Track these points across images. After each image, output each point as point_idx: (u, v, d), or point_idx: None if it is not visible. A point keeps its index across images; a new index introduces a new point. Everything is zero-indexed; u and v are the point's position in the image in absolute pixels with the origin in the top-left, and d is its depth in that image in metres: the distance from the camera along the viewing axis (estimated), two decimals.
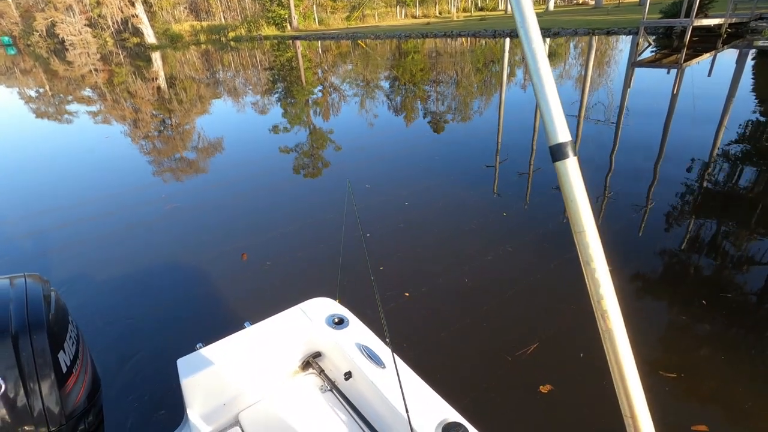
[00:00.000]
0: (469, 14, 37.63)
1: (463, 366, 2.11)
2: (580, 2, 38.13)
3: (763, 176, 4.06)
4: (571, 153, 0.56)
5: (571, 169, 0.56)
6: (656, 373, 1.95)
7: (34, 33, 40.63)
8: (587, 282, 0.59)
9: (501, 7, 40.48)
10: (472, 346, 2.22)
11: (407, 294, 2.68)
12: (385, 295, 2.69)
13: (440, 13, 40.27)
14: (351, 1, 42.54)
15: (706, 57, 10.91)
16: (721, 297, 2.49)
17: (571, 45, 15.90)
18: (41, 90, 15.05)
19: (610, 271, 0.58)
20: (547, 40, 17.35)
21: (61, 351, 1.08)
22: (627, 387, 0.60)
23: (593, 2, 32.51)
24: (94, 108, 10.84)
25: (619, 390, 0.61)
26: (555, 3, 33.27)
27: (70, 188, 5.22)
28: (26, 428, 1.02)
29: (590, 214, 0.57)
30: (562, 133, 0.56)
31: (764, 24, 13.54)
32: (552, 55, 13.68)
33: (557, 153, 0.56)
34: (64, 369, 1.08)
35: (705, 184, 4.05)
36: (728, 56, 10.93)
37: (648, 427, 0.61)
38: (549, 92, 0.55)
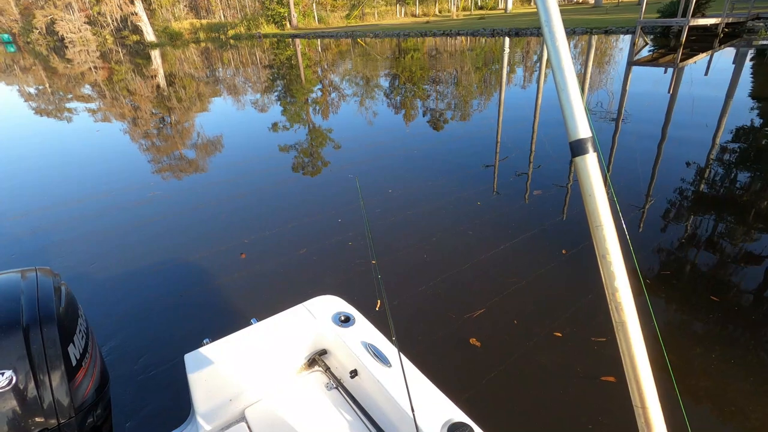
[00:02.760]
0: (468, 13, 37.57)
1: (418, 319, 2.50)
2: (580, 1, 38.09)
3: (762, 172, 4.09)
4: (591, 149, 0.57)
5: (590, 165, 0.57)
6: (589, 339, 2.25)
7: (34, 30, 40.44)
8: (602, 274, 0.59)
9: (500, 6, 40.41)
10: (428, 305, 2.61)
11: (373, 261, 3.10)
12: (355, 261, 3.02)
13: (440, 12, 40.21)
14: (351, 0, 42.44)
15: (703, 57, 10.92)
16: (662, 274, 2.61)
17: (571, 44, 15.90)
18: (41, 87, 15.01)
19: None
20: None
21: (71, 344, 1.10)
22: (639, 378, 0.61)
23: (593, 1, 32.49)
24: (93, 105, 10.83)
25: (630, 381, 0.61)
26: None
27: (69, 184, 5.22)
28: (36, 420, 1.04)
29: (608, 209, 0.58)
30: (583, 129, 0.57)
31: (761, 24, 13.57)
32: None
33: (577, 148, 0.57)
34: (74, 362, 1.10)
35: (701, 182, 4.08)
36: (725, 56, 10.95)
37: (658, 419, 0.62)
38: (571, 89, 0.56)
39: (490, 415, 1.88)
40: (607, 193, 0.59)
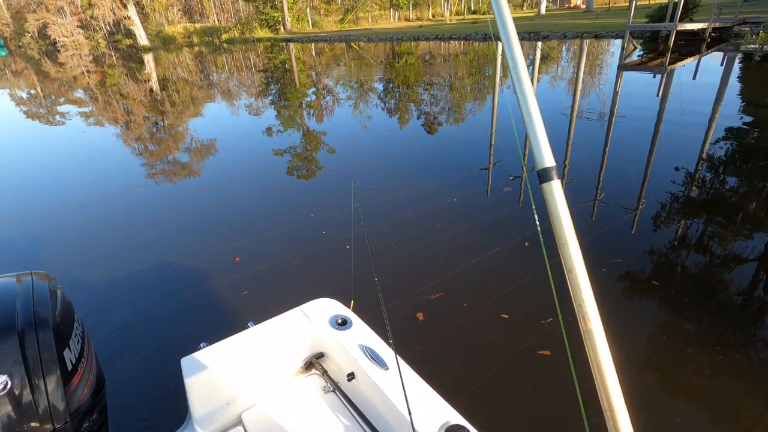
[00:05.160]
0: (461, 17, 37.88)
1: (386, 295, 2.75)
2: (572, 6, 38.58)
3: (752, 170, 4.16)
4: (555, 176, 0.64)
5: (555, 190, 0.64)
6: (539, 323, 2.42)
7: (26, 34, 40.16)
8: (570, 287, 0.64)
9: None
10: (395, 284, 2.87)
11: (347, 246, 3.36)
12: (351, 264, 3.13)
13: (433, 17, 40.48)
14: (344, 4, 42.62)
15: (691, 60, 11.10)
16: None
17: (564, 48, 16.09)
18: (32, 91, 14.87)
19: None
20: (539, 44, 17.54)
21: (67, 348, 1.09)
22: (606, 383, 0.64)
23: (584, 6, 32.92)
24: (86, 109, 10.75)
25: (598, 385, 0.65)
26: (547, 7, 33.62)
27: (62, 188, 5.18)
28: (32, 425, 1.03)
29: (572, 228, 0.64)
30: (548, 159, 0.64)
31: (747, 28, 13.82)
32: (544, 58, 13.85)
33: (544, 176, 0.64)
34: (69, 366, 1.09)
35: (691, 186, 4.14)
36: (713, 60, 11.15)
37: (625, 420, 0.65)
38: (537, 126, 0.64)
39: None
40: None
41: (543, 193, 0.64)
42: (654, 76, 9.58)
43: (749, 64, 10.23)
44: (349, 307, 1.55)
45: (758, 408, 1.85)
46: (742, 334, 2.27)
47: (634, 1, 13.35)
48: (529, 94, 0.64)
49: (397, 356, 1.17)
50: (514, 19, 0.65)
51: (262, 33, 35.01)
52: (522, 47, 0.66)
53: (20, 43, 42.10)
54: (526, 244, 3.21)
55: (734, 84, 8.37)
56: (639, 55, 12.65)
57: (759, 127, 5.63)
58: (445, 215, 3.80)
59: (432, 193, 4.34)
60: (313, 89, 11.79)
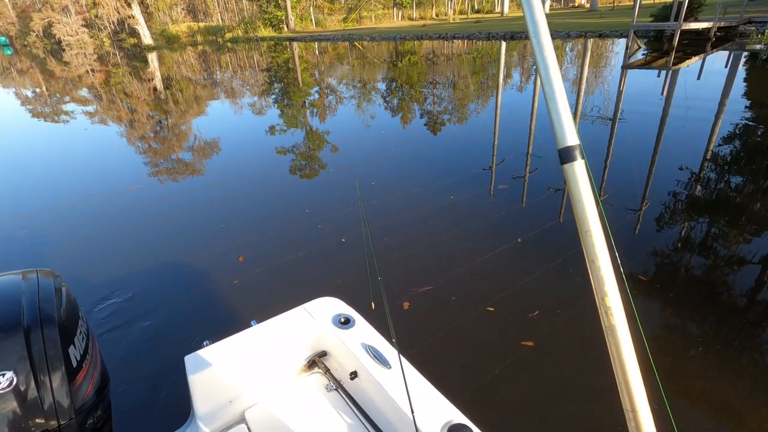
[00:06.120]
0: (465, 17, 37.75)
1: (388, 293, 2.76)
2: (576, 5, 38.41)
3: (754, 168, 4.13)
4: (578, 156, 0.57)
5: (578, 172, 0.58)
6: (527, 317, 2.46)
7: (31, 33, 40.38)
8: (592, 279, 0.59)
9: (497, 10, 40.67)
10: (388, 277, 2.94)
11: (343, 240, 3.46)
12: (353, 263, 3.13)
13: (437, 16, 40.38)
14: (348, 3, 42.59)
15: (696, 60, 11.03)
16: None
17: (567, 47, 16.02)
18: (37, 90, 14.96)
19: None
20: None
21: (72, 346, 1.10)
22: (628, 381, 0.61)
23: (588, 5, 32.77)
24: (90, 108, 10.80)
25: (620, 384, 0.62)
26: (551, 6, 33.47)
27: (64, 189, 5.21)
28: (37, 421, 1.04)
29: (596, 214, 0.59)
30: (571, 137, 0.58)
31: (753, 28, 13.71)
32: None
33: (565, 156, 0.58)
34: (74, 363, 1.10)
35: (695, 185, 4.11)
36: (718, 59, 11.06)
37: (648, 420, 0.62)
38: (559, 98, 0.57)
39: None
40: (600, 199, 0.59)
41: (564, 176, 0.58)
42: (658, 75, 9.52)
43: (755, 64, 10.15)
44: (371, 309, 1.54)
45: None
46: (748, 335, 2.26)
47: (639, 0, 13.26)
48: (551, 62, 0.56)
49: (400, 355, 1.17)
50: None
51: (266, 32, 35.02)
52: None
53: (25, 42, 42.33)
54: (519, 240, 3.25)
55: (739, 83, 8.31)
56: (643, 55, 12.58)
57: (764, 127, 5.59)
58: (445, 214, 3.81)
59: (433, 192, 4.34)
60: (316, 88, 11.80)
